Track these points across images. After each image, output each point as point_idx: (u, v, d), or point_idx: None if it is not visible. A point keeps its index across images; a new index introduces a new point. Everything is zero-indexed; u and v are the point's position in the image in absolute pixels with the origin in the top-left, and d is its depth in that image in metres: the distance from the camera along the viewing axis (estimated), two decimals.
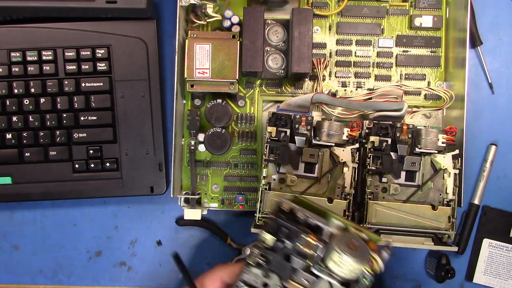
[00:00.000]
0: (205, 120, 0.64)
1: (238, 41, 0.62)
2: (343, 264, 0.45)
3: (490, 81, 0.69)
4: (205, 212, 0.67)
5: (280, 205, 0.48)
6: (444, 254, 0.65)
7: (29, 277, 0.69)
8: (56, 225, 0.69)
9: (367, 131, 0.61)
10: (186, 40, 0.62)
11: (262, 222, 0.59)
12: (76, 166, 0.65)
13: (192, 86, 0.62)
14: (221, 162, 0.67)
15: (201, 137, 0.64)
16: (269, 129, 0.59)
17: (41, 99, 0.65)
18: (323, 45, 0.67)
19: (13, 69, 0.65)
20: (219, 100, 0.63)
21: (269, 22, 0.65)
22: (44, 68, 0.65)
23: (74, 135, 0.65)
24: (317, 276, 0.47)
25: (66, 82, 0.65)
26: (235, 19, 0.65)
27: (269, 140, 0.59)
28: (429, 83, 0.67)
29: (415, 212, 0.58)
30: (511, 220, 0.68)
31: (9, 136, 0.65)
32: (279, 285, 0.48)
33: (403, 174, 0.60)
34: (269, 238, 0.48)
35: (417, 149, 0.59)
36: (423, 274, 0.68)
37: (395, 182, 0.59)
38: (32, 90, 0.65)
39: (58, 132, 0.65)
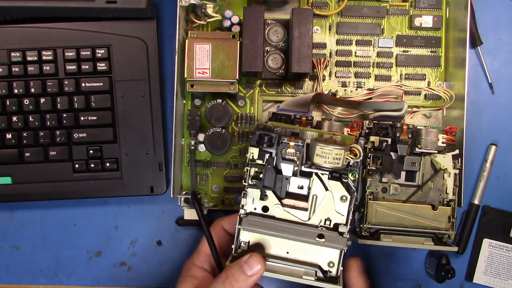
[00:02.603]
0: (205, 120, 0.64)
1: (238, 41, 0.62)
2: (326, 154, 0.49)
3: (490, 81, 0.69)
4: (205, 212, 0.67)
5: (256, 126, 0.52)
6: (444, 254, 0.65)
7: (29, 277, 0.69)
8: (56, 225, 0.69)
9: (367, 131, 0.61)
10: (186, 40, 0.62)
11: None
12: (76, 166, 0.65)
13: (192, 86, 0.62)
14: (221, 162, 0.67)
15: (201, 137, 0.64)
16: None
17: (41, 99, 0.65)
18: (323, 45, 0.67)
19: (13, 69, 0.65)
20: (219, 100, 0.63)
21: (269, 22, 0.65)
22: (44, 68, 0.65)
23: (74, 135, 0.65)
24: (307, 175, 0.50)
25: (66, 82, 0.65)
26: (235, 19, 0.65)
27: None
28: (429, 83, 0.67)
29: (415, 212, 0.58)
30: (511, 220, 0.68)
31: (9, 136, 0.65)
32: (277, 203, 0.50)
33: (403, 174, 0.60)
34: (255, 151, 0.51)
35: (417, 149, 0.59)
36: (423, 274, 0.68)
37: (395, 182, 0.59)
38: (32, 90, 0.65)
39: (58, 132, 0.65)
